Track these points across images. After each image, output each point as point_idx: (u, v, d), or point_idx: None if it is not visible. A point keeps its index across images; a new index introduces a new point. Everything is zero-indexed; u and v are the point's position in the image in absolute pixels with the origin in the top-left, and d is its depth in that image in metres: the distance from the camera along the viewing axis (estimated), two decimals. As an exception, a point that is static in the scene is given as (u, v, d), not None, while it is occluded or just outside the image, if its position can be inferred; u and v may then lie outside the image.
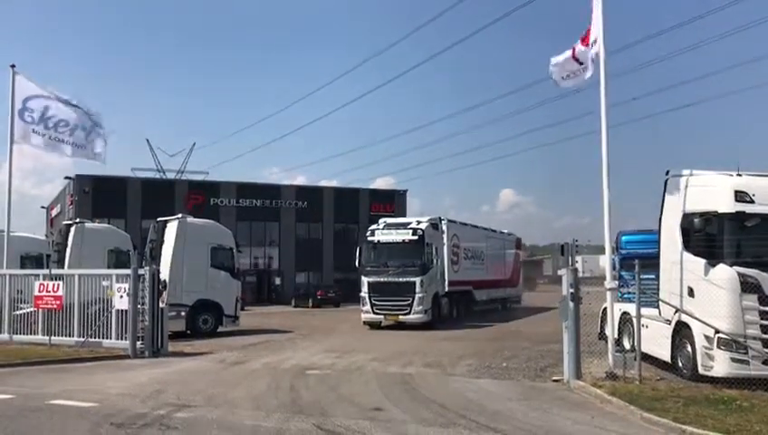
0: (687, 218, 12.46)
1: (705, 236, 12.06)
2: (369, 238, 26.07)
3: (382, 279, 25.08)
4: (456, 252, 28.78)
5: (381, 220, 27.29)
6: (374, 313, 25.25)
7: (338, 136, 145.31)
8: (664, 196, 13.33)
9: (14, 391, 12.08)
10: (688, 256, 12.39)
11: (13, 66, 21.07)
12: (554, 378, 13.02)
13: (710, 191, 12.32)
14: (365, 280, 25.51)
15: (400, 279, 24.75)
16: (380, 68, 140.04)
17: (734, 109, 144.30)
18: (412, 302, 24.50)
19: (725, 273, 11.55)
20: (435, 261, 25.89)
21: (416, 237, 25.15)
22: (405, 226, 26.06)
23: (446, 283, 27.16)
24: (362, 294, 25.59)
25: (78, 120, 20.69)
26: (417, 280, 24.61)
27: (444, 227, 27.67)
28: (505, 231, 38.38)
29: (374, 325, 25.49)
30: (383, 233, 25.90)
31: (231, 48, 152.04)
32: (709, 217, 11.97)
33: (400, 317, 24.78)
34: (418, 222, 25.99)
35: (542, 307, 35.14)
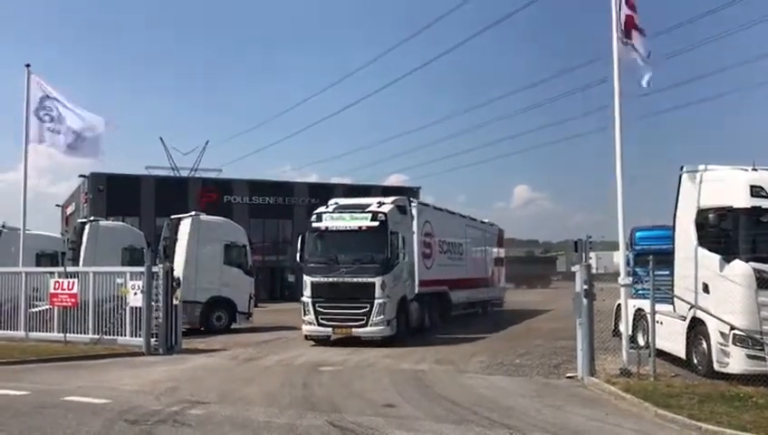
0: (702, 214, 12.36)
1: (720, 231, 11.95)
2: (315, 224, 19.39)
3: (331, 279, 18.55)
4: (428, 243, 22.69)
5: (332, 200, 20.98)
6: (319, 324, 18.53)
7: (350, 133, 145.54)
8: (678, 191, 13.22)
9: (30, 387, 12.21)
10: (703, 252, 12.28)
11: (28, 66, 21.32)
12: (568, 375, 12.96)
13: (725, 186, 12.21)
14: (308, 280, 18.97)
15: (355, 279, 18.34)
16: (393, 63, 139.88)
17: (751, 103, 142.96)
18: (370, 310, 18.15)
19: (741, 268, 11.45)
20: (401, 255, 19.36)
21: (376, 223, 18.67)
22: (363, 208, 19.51)
23: (417, 283, 20.96)
24: (304, 298, 18.99)
25: (85, 121, 21.05)
26: (378, 280, 18.22)
27: (414, 212, 21.49)
28: (486, 220, 32.87)
29: (320, 341, 18.92)
30: (333, 217, 19.27)
31: (244, 46, 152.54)
32: (724, 213, 11.86)
33: (354, 330, 18.36)
34: (380, 203, 19.71)
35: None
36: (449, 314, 24.60)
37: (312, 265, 19.13)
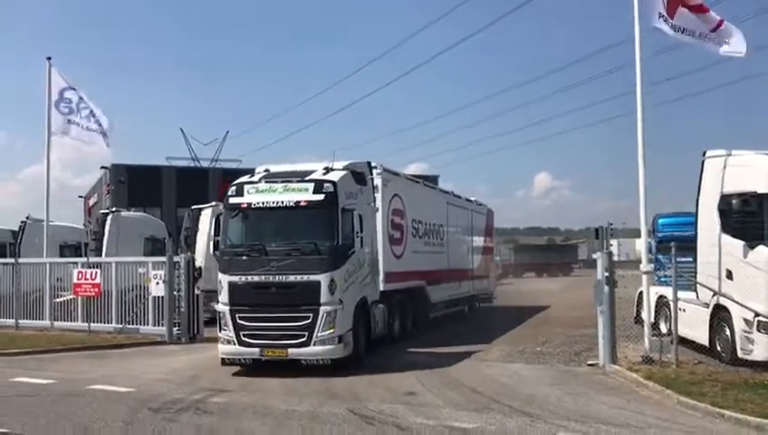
0: (725, 199, 12.20)
1: (744, 217, 11.78)
2: (233, 200, 13.51)
3: (256, 278, 12.82)
4: (398, 224, 17.57)
5: (261, 167, 14.75)
6: (241, 342, 12.67)
7: (371, 122, 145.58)
8: (701, 177, 13.06)
9: (56, 376, 12.43)
10: (726, 238, 12.13)
11: (49, 59, 21.57)
12: (589, 362, 12.89)
13: (749, 171, 12.04)
14: (224, 280, 13.11)
15: (291, 278, 12.65)
16: (413, 52, 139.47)
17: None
18: (314, 321, 12.46)
19: (765, 254, 11.26)
20: (359, 242, 13.70)
21: (321, 197, 12.94)
22: (302, 176, 13.51)
23: (382, 278, 15.60)
24: (219, 305, 13.17)
25: (96, 112, 21.45)
26: (324, 278, 12.59)
27: (378, 182, 16.05)
28: (473, 199, 26.76)
29: (246, 366, 12.93)
30: (259, 190, 13.40)
31: (264, 36, 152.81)
32: (748, 198, 11.69)
33: (291, 351, 12.56)
34: (328, 169, 13.76)
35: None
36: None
37: (231, 258, 13.26)
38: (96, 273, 18.21)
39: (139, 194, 46.20)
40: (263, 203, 13.23)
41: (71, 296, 19.00)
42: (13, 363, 14.21)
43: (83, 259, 20.29)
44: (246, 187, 13.52)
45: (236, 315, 12.84)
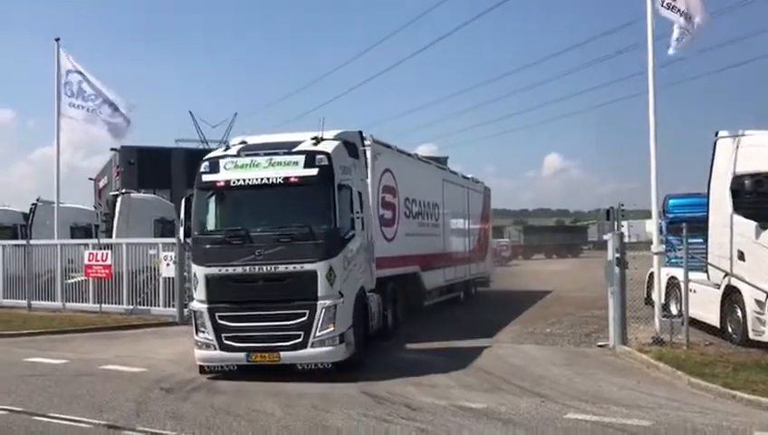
0: (738, 180, 12.13)
1: (756, 197, 11.73)
2: (207, 178, 11.28)
3: (239, 270, 10.67)
4: (389, 203, 15.76)
5: (237, 139, 12.50)
6: (223, 346, 10.57)
7: (379, 102, 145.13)
8: (713, 157, 12.97)
9: (69, 356, 12.56)
10: (738, 219, 12.07)
11: (57, 40, 21.56)
12: (599, 343, 12.89)
13: (761, 151, 11.96)
14: (199, 273, 10.94)
15: (282, 268, 10.61)
16: (422, 32, 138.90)
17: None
18: (311, 319, 10.48)
19: (778, 236, 11.22)
20: (359, 222, 11.63)
21: (314, 172, 10.83)
22: (289, 148, 11.31)
23: (374, 264, 13.38)
24: (194, 303, 11.05)
25: (107, 95, 21.41)
26: (322, 267, 10.57)
27: (368, 155, 13.87)
28: (470, 176, 24.95)
29: (227, 372, 10.69)
30: (239, 165, 11.16)
31: (265, 27, 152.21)
32: (760, 178, 11.63)
33: (284, 355, 10.46)
34: (318, 139, 11.47)
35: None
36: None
37: (205, 246, 11.12)
38: (107, 254, 18.33)
39: (149, 176, 46.30)
40: (244, 181, 10.99)
41: (82, 278, 19.14)
42: (26, 344, 14.37)
43: (94, 241, 20.39)
44: (222, 161, 11.30)
45: (216, 315, 10.71)
